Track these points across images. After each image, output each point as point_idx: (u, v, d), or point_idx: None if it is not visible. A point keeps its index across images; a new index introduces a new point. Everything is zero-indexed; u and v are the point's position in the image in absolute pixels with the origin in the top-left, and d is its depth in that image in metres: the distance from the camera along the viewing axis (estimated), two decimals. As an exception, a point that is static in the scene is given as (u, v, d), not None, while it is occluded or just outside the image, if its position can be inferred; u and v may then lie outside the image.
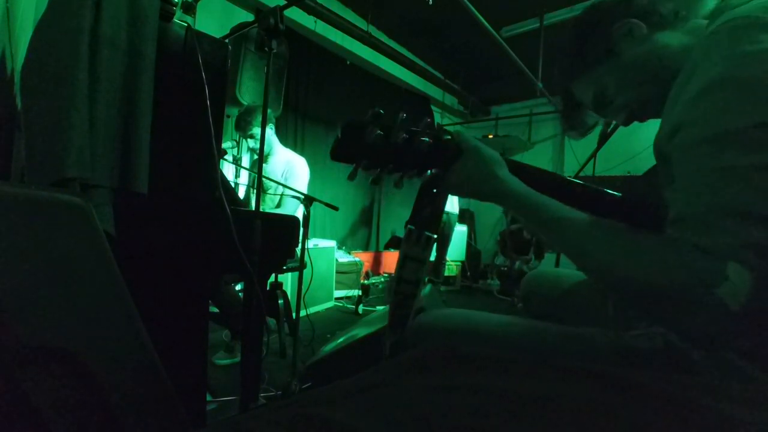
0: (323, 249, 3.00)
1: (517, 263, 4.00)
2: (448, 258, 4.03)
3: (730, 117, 0.40)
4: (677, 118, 0.46)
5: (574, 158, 4.78)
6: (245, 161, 2.73)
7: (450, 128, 5.20)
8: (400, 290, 0.64)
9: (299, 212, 2.05)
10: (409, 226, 0.64)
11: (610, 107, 0.63)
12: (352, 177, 0.58)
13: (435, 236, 0.64)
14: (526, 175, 0.59)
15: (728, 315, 0.37)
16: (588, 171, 2.26)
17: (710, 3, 0.53)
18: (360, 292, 3.23)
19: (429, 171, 0.61)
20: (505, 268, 4.24)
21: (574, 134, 0.74)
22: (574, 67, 0.65)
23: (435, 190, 0.63)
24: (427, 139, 0.56)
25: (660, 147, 0.50)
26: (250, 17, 3.16)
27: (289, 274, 2.55)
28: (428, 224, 0.64)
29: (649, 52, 0.56)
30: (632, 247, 0.44)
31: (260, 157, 1.10)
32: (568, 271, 0.88)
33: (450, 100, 5.60)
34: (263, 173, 1.29)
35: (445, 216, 3.68)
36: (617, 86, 0.61)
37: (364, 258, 3.87)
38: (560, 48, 0.68)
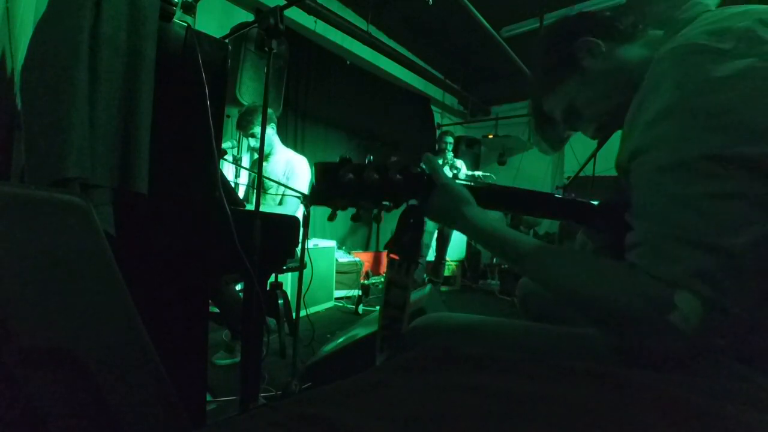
0: (323, 249, 3.00)
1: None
2: (448, 258, 4.02)
3: (679, 146, 0.41)
4: (633, 144, 0.47)
5: (574, 158, 4.78)
6: (245, 161, 2.73)
7: (450, 128, 5.21)
8: (387, 315, 0.67)
9: (299, 212, 2.05)
10: (390, 256, 0.68)
11: (579, 121, 0.65)
12: (332, 218, 0.64)
13: (416, 264, 0.69)
14: (502, 196, 0.65)
15: (681, 338, 0.38)
16: (588, 171, 2.25)
17: (664, 15, 0.54)
18: (360, 292, 3.23)
19: (407, 202, 0.64)
20: (506, 267, 4.24)
21: (547, 148, 0.76)
22: (542, 84, 0.67)
23: (412, 220, 0.66)
24: (398, 175, 0.59)
25: (621, 165, 0.51)
26: (250, 17, 3.16)
27: (289, 274, 2.55)
28: (408, 252, 0.67)
29: (611, 66, 0.58)
30: (591, 274, 0.47)
31: (260, 157, 1.10)
32: None
33: (450, 100, 5.60)
34: (263, 173, 1.29)
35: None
36: (583, 101, 0.62)
37: (364, 258, 3.86)
38: (531, 64, 0.71)
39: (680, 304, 0.38)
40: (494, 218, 0.59)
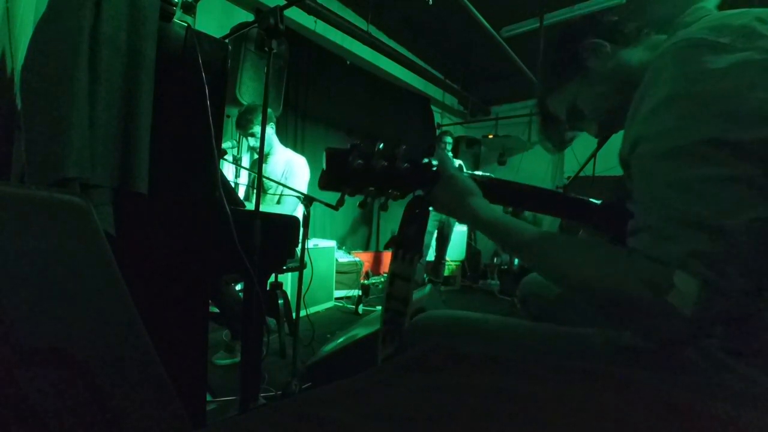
0: (323, 249, 3.00)
1: (516, 261, 4.01)
2: (448, 258, 4.02)
3: (678, 133, 0.43)
4: (634, 134, 0.48)
5: (574, 158, 4.77)
6: (245, 161, 2.73)
7: (450, 128, 5.20)
8: (390, 307, 0.67)
9: (299, 212, 2.05)
10: (392, 246, 0.67)
11: (582, 121, 0.67)
12: (339, 205, 0.63)
13: (420, 255, 0.69)
14: (506, 190, 0.66)
15: (680, 320, 0.39)
16: (588, 171, 2.25)
17: (668, 20, 0.56)
18: (360, 292, 3.23)
19: (413, 192, 0.65)
20: (506, 267, 4.24)
21: (551, 148, 0.78)
22: (548, 84, 0.69)
23: (418, 211, 0.67)
24: (405, 164, 0.60)
25: (623, 158, 0.52)
26: (250, 17, 3.16)
27: (289, 274, 2.55)
28: (413, 243, 0.67)
29: (613, 68, 0.61)
30: (590, 258, 0.47)
31: (260, 157, 1.10)
32: None
33: (450, 100, 5.60)
34: (263, 173, 1.29)
35: (444, 216, 3.68)
36: (586, 100, 0.64)
37: (364, 258, 3.86)
38: (537, 64, 0.74)
39: (679, 284, 0.39)
40: (498, 211, 0.60)
